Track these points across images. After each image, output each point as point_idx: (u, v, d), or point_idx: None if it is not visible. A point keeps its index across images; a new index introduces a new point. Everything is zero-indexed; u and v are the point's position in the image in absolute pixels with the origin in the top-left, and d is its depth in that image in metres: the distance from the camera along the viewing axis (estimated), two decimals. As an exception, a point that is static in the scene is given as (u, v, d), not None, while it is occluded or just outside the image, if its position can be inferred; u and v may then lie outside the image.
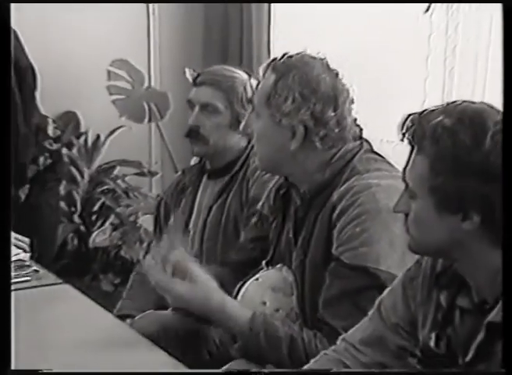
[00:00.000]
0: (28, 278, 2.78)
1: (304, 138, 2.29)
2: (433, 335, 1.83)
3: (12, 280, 2.68)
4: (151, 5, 4.65)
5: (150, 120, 4.47)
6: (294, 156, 2.33)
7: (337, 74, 2.34)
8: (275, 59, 2.37)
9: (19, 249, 2.94)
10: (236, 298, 2.43)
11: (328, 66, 2.35)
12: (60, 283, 2.79)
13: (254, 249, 2.62)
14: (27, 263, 2.85)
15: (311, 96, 2.28)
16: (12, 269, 2.75)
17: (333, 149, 2.33)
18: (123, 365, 2.19)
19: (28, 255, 2.91)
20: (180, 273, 2.27)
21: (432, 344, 1.82)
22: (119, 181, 4.41)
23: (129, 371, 1.87)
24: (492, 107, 1.74)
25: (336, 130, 2.31)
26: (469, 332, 1.76)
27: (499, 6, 3.07)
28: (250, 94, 2.93)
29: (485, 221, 1.68)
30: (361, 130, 2.37)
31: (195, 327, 2.64)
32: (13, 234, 3.04)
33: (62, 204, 4.14)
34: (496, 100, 3.33)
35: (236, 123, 2.95)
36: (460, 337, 1.79)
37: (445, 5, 3.51)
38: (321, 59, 2.35)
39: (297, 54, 2.37)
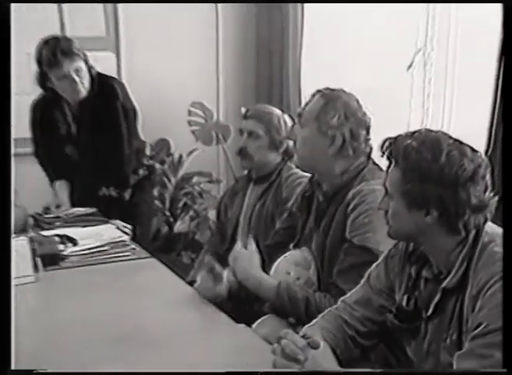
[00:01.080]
0: (128, 253, 2.76)
1: (341, 147, 2.29)
2: (405, 297, 1.81)
3: (116, 255, 2.74)
4: (220, 57, 4.64)
5: (217, 144, 4.46)
6: (328, 160, 2.30)
7: (361, 107, 2.32)
8: (320, 90, 2.35)
9: (123, 233, 2.93)
10: (270, 268, 2.43)
11: (359, 102, 2.34)
12: (149, 257, 2.76)
13: (285, 235, 2.60)
14: (128, 243, 2.82)
15: (351, 117, 2.27)
16: (117, 247, 2.78)
17: (354, 159, 2.31)
18: (188, 319, 2.20)
19: (129, 237, 2.89)
20: None
21: (404, 303, 1.81)
22: (195, 187, 4.39)
23: (130, 371, 1.63)
24: (445, 134, 1.73)
25: (363, 146, 2.30)
26: (430, 294, 1.76)
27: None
28: (283, 125, 2.95)
29: (441, 216, 1.68)
30: (371, 148, 2.35)
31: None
32: (120, 222, 3.09)
33: (156, 202, 4.16)
34: (464, 115, 3.28)
35: (273, 145, 2.92)
36: (423, 298, 1.78)
37: (423, 60, 3.46)
38: (353, 95, 2.35)
39: (337, 89, 2.36)
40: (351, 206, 2.22)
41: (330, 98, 2.31)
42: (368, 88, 3.72)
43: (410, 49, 3.50)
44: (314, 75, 4.29)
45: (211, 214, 4.15)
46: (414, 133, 1.72)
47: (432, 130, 1.73)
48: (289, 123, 2.98)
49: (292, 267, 2.38)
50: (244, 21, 4.62)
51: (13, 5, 1.70)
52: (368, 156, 2.34)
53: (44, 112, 3.45)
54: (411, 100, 3.46)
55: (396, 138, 1.72)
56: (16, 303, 1.69)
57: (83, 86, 3.27)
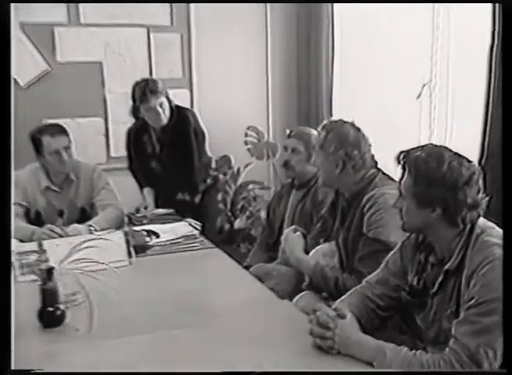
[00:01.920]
0: (198, 244, 2.74)
1: (343, 168, 2.28)
2: (416, 278, 1.79)
3: (188, 246, 2.73)
4: (270, 85, 4.62)
5: (267, 159, 4.45)
6: (339, 178, 2.30)
7: (359, 129, 2.31)
8: (325, 123, 2.36)
9: (194, 229, 2.92)
10: None
11: (354, 125, 2.32)
12: (213, 248, 2.75)
13: (318, 237, 2.56)
14: (198, 236, 2.82)
15: (344, 143, 2.26)
16: (190, 239, 2.76)
17: (362, 172, 2.28)
18: (244, 296, 2.17)
19: (198, 232, 2.89)
20: None
21: (414, 283, 1.78)
22: (250, 192, 4.39)
23: (132, 371, 1.53)
24: (446, 148, 1.70)
25: (360, 162, 2.28)
26: (435, 276, 1.73)
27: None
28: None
29: (444, 212, 1.65)
30: (376, 162, 2.33)
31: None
32: (192, 220, 3.08)
33: (220, 205, 4.17)
34: (461, 133, 3.17)
35: (310, 158, 2.85)
36: (430, 278, 1.75)
37: (429, 91, 3.40)
38: (350, 122, 2.33)
39: (337, 120, 2.36)
40: (366, 207, 2.20)
41: (329, 130, 2.32)
42: (386, 115, 3.72)
43: (419, 82, 3.44)
44: (341, 101, 4.26)
45: (263, 214, 4.14)
46: (422, 147, 1.69)
47: (436, 145, 1.71)
48: None
49: (320, 257, 2.37)
50: (288, 57, 4.59)
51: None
52: (377, 167, 2.32)
53: (136, 136, 3.51)
54: (420, 122, 3.39)
55: (408, 152, 1.70)
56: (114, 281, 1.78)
57: (165, 115, 3.33)
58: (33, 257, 2.25)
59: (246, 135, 4.40)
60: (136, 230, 2.78)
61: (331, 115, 4.23)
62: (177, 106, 3.43)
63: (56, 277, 1.80)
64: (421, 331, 1.81)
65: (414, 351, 1.55)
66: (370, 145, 2.32)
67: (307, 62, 4.44)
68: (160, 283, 2.27)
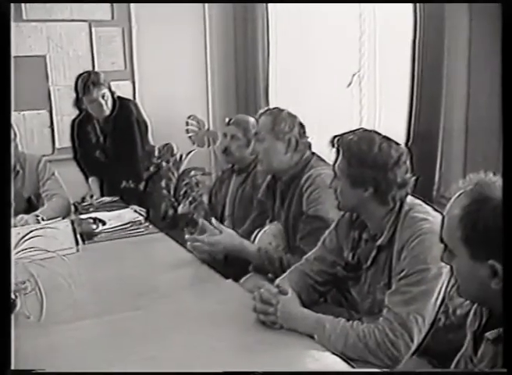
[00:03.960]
0: (143, 230, 2.68)
1: (296, 145, 2.26)
2: (351, 254, 1.80)
3: (134, 231, 2.67)
4: (209, 75, 4.55)
5: (208, 146, 4.40)
6: (287, 157, 2.27)
7: (296, 117, 2.31)
8: (263, 112, 2.35)
9: (139, 215, 2.85)
10: (254, 241, 2.35)
11: (289, 113, 2.31)
12: (158, 232, 2.71)
13: (259, 220, 2.51)
14: (143, 222, 2.75)
15: (294, 122, 2.27)
16: (135, 225, 2.68)
17: (299, 154, 2.28)
18: (189, 276, 2.16)
19: (143, 218, 2.81)
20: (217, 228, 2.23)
21: (350, 258, 1.80)
22: (192, 178, 4.27)
23: (136, 371, 1.45)
24: (376, 132, 1.71)
25: (302, 146, 2.28)
26: (368, 251, 1.74)
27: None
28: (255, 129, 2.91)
29: (375, 191, 1.66)
30: (310, 145, 2.32)
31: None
32: (137, 207, 3.03)
33: (164, 191, 4.08)
34: (388, 118, 3.21)
35: (248, 144, 2.80)
36: (364, 254, 1.76)
37: (358, 80, 3.44)
38: (284, 110, 2.33)
39: (273, 108, 2.36)
40: (305, 187, 2.20)
41: (275, 114, 2.30)
42: (319, 103, 3.74)
43: (349, 72, 3.48)
44: (277, 90, 4.24)
45: (205, 199, 4.09)
46: (354, 131, 1.70)
47: (366, 129, 1.72)
48: None
49: (272, 238, 2.33)
50: (225, 49, 4.53)
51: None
52: (311, 150, 2.32)
53: (80, 127, 3.42)
54: (352, 109, 3.42)
55: (341, 136, 1.70)
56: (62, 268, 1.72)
57: (107, 107, 3.26)
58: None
59: (187, 124, 4.33)
60: (82, 218, 2.69)
61: (267, 103, 4.22)
62: (119, 97, 3.35)
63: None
64: (356, 303, 1.83)
65: (351, 322, 1.56)
66: (304, 129, 2.32)
67: (245, 54, 4.39)
68: (108, 268, 2.20)
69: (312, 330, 1.57)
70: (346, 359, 1.47)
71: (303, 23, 3.83)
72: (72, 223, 2.46)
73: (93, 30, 4.07)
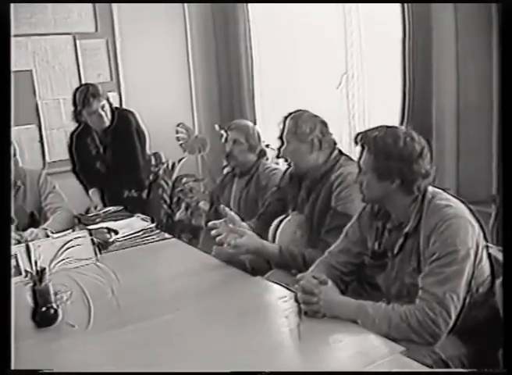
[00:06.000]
0: (155, 236, 2.72)
1: (319, 145, 2.32)
2: (376, 243, 1.87)
3: (147, 238, 2.68)
4: (193, 83, 4.59)
5: (199, 152, 4.43)
6: (313, 157, 2.33)
7: (317, 116, 2.37)
8: (286, 116, 2.39)
9: (145, 222, 2.87)
10: (276, 230, 2.43)
11: (311, 114, 2.37)
12: (172, 238, 2.76)
13: (277, 205, 2.57)
14: (154, 229, 2.77)
15: (316, 123, 2.33)
16: (147, 232, 2.71)
17: (328, 151, 2.34)
18: (215, 277, 2.19)
19: (154, 225, 2.82)
20: (237, 232, 2.25)
21: (376, 247, 1.87)
22: (185, 185, 4.33)
23: (137, 371, 1.47)
24: (399, 127, 1.80)
25: (330, 141, 2.35)
26: (395, 239, 1.82)
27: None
28: (256, 133, 2.95)
29: (402, 183, 1.74)
30: (335, 141, 2.39)
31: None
32: (141, 215, 3.03)
33: (163, 198, 4.13)
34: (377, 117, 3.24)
35: (251, 148, 2.91)
36: (390, 242, 1.84)
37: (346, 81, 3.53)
38: (306, 111, 2.38)
39: (295, 110, 2.40)
40: (335, 185, 2.26)
41: (296, 117, 2.36)
42: (309, 103, 3.81)
43: (338, 73, 3.56)
44: (264, 94, 4.30)
45: (201, 204, 4.14)
46: (376, 128, 1.78)
47: (389, 126, 1.79)
48: (259, 130, 3.01)
49: (297, 228, 2.39)
50: (208, 59, 4.60)
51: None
52: (339, 150, 2.39)
53: (79, 139, 3.41)
54: (341, 108, 3.52)
55: (365, 132, 1.79)
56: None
57: (107, 118, 3.26)
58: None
59: (177, 132, 4.36)
60: (96, 229, 2.72)
61: (253, 107, 4.29)
62: (117, 108, 3.38)
63: (47, 277, 1.75)
64: (380, 290, 1.92)
65: (390, 305, 1.66)
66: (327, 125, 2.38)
67: (227, 60, 4.45)
68: (133, 275, 2.22)
69: (355, 315, 1.65)
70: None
71: (286, 22, 3.88)
72: (91, 233, 2.49)
73: (77, 42, 4.09)
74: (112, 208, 3.13)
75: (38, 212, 3.01)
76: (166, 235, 2.77)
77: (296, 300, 1.73)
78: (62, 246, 1.82)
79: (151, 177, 3.63)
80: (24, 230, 2.77)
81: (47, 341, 1.71)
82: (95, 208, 3.19)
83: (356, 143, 1.81)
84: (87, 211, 3.15)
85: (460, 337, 1.71)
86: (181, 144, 4.32)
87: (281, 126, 2.39)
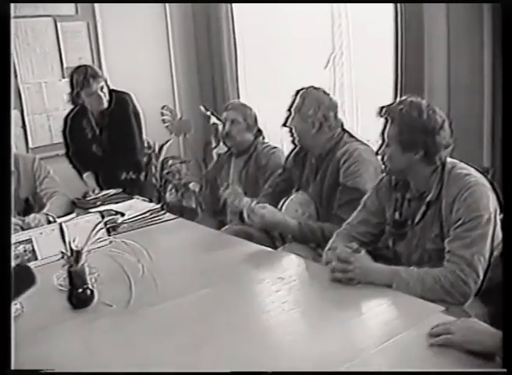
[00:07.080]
0: (162, 216, 2.73)
1: (319, 128, 2.38)
2: (397, 213, 1.94)
3: (154, 220, 2.68)
4: (173, 65, 4.55)
5: (184, 135, 4.43)
6: (313, 136, 2.40)
7: (329, 94, 2.43)
8: (298, 90, 2.43)
9: (147, 203, 2.90)
10: (281, 209, 2.46)
11: (324, 91, 2.43)
12: (177, 218, 2.76)
13: (285, 185, 2.63)
14: (160, 210, 2.76)
15: (321, 106, 2.37)
16: (153, 213, 2.69)
17: (333, 131, 2.41)
18: (236, 253, 2.19)
19: (159, 205, 2.81)
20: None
21: (397, 217, 1.94)
22: (172, 167, 4.34)
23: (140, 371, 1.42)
24: (421, 101, 1.84)
25: (334, 123, 2.41)
26: (414, 209, 1.90)
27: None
28: (253, 113, 2.97)
29: (425, 154, 1.81)
30: (342, 123, 2.45)
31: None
32: (139, 197, 3.04)
33: (153, 180, 4.11)
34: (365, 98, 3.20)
35: (248, 128, 2.93)
36: (409, 212, 1.92)
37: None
38: (321, 88, 2.44)
39: (309, 87, 2.42)
40: (342, 160, 2.32)
41: (305, 95, 2.40)
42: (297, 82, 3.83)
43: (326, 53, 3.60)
44: (250, 75, 4.28)
45: (191, 185, 4.15)
46: (400, 101, 1.84)
47: (413, 98, 1.84)
48: (256, 111, 3.02)
49: (298, 206, 2.46)
50: (187, 41, 4.57)
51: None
52: (342, 127, 2.45)
53: (74, 121, 3.35)
54: (330, 88, 3.56)
55: (389, 105, 1.85)
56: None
57: (106, 99, 3.22)
58: (21, 248, 2.18)
59: (162, 114, 4.34)
60: (103, 211, 2.70)
61: (238, 90, 4.30)
62: (114, 90, 3.31)
63: (83, 258, 1.75)
64: (400, 257, 1.99)
65: (422, 268, 1.74)
66: (337, 107, 2.44)
67: (209, 41, 4.43)
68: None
69: (389, 280, 1.72)
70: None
71: (271, 8, 3.88)
72: (102, 215, 2.49)
73: (58, 25, 4.00)
74: (111, 191, 3.12)
75: (33, 197, 2.95)
76: (171, 215, 2.77)
77: (333, 269, 1.79)
78: (95, 226, 1.82)
79: (145, 159, 3.60)
80: (20, 216, 2.72)
81: (86, 322, 1.71)
82: (93, 191, 3.15)
83: (380, 116, 1.86)
84: (85, 195, 3.10)
85: (480, 298, 1.81)
86: (167, 126, 4.29)
87: (292, 99, 2.44)
